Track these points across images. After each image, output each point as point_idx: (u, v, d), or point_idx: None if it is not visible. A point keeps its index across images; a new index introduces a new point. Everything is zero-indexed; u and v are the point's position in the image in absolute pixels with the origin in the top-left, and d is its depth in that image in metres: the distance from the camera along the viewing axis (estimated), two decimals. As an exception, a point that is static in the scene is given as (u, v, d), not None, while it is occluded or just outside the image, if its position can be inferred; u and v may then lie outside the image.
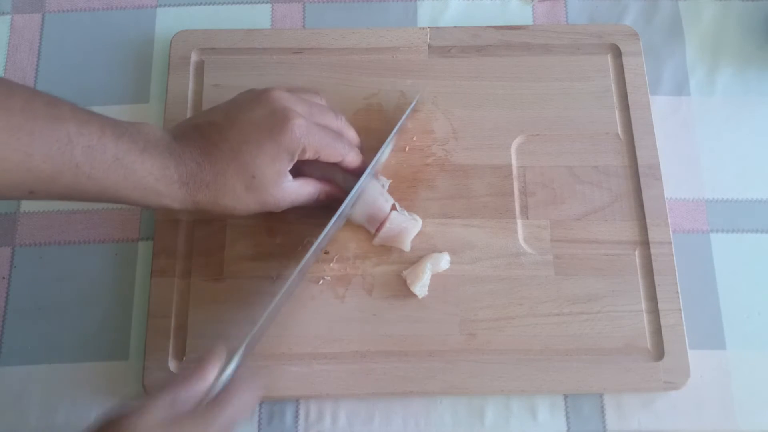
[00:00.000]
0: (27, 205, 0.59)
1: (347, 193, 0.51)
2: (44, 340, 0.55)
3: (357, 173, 0.52)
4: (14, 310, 0.56)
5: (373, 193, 0.54)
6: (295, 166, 0.49)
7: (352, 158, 0.52)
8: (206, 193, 0.47)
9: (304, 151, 0.48)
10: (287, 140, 0.47)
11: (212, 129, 0.48)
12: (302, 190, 0.51)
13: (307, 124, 0.48)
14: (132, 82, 0.63)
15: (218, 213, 0.49)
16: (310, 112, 0.50)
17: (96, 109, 0.46)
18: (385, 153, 0.56)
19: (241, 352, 0.44)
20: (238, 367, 0.43)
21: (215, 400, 0.41)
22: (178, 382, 0.41)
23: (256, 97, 0.49)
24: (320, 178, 0.53)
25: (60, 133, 0.42)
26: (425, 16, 0.65)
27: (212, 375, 0.42)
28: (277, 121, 0.47)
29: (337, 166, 0.52)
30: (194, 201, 0.47)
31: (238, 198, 0.48)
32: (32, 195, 0.44)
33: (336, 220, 0.50)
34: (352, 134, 0.55)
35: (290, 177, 0.49)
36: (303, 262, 0.49)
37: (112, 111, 0.48)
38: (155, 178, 0.45)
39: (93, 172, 0.43)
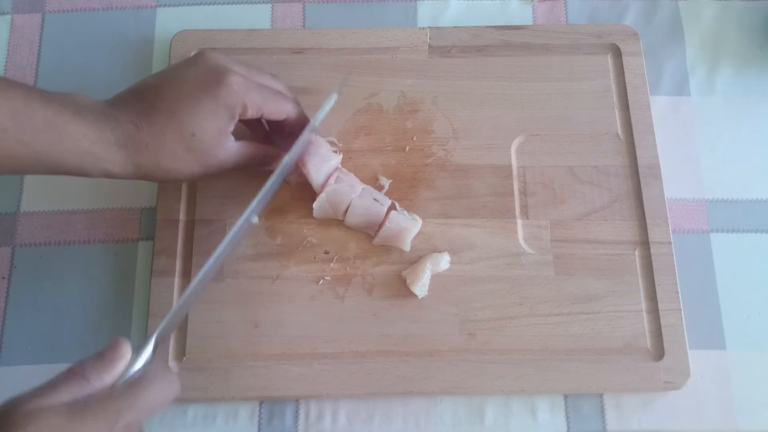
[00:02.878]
0: (27, 205, 0.59)
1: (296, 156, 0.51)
2: (44, 340, 0.55)
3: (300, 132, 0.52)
4: (14, 310, 0.56)
5: (365, 201, 0.54)
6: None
7: (297, 114, 0.52)
8: (146, 155, 0.46)
9: (245, 108, 0.48)
10: (225, 95, 0.47)
11: (148, 90, 0.48)
12: (245, 150, 0.50)
13: (245, 81, 0.48)
14: (132, 82, 0.62)
15: (161, 177, 0.48)
16: (247, 71, 0.50)
17: (96, 109, 0.46)
18: (324, 110, 0.54)
19: (153, 340, 0.42)
20: (152, 361, 0.41)
21: (130, 386, 0.39)
22: (88, 363, 0.39)
23: (191, 59, 0.49)
24: (264, 141, 0.52)
25: None
26: (425, 16, 0.65)
27: (126, 358, 0.40)
28: (214, 76, 0.47)
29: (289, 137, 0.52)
30: (135, 164, 0.47)
31: (179, 159, 0.47)
32: None
33: (275, 180, 0.50)
34: (292, 95, 0.54)
35: (232, 138, 0.49)
36: (230, 236, 0.48)
37: (112, 111, 0.48)
38: (91, 140, 0.44)
39: (23, 136, 0.42)
